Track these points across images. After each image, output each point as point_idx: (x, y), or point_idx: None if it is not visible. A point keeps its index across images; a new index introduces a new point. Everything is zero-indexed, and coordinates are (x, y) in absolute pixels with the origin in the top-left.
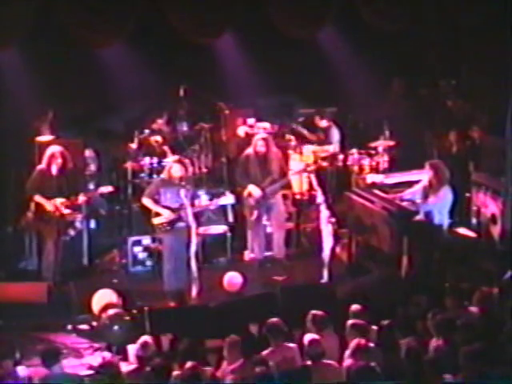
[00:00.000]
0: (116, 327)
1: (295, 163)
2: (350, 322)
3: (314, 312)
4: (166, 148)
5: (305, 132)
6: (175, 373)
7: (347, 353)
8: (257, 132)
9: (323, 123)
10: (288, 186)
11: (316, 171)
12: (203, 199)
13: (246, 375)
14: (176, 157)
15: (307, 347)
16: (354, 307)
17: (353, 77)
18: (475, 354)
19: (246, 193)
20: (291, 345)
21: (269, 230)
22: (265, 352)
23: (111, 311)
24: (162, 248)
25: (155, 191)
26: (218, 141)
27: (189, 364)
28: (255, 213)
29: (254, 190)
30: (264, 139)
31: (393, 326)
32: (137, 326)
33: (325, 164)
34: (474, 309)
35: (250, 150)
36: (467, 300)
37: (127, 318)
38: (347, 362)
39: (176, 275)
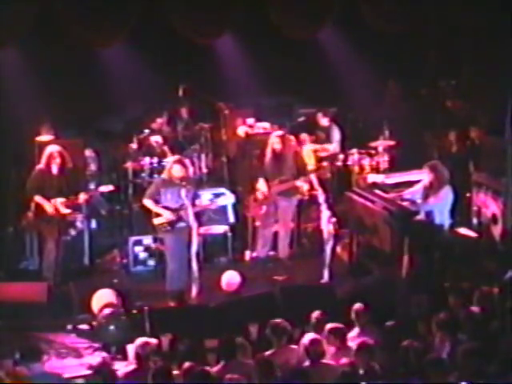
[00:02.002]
0: (112, 327)
1: None
2: (328, 326)
3: (319, 311)
4: (165, 148)
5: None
6: (175, 372)
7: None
8: (257, 132)
9: (325, 122)
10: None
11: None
12: (204, 199)
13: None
14: (176, 157)
15: (308, 347)
16: (357, 306)
17: (353, 77)
18: (475, 353)
19: (257, 185)
20: (294, 346)
21: (273, 229)
22: (267, 353)
23: (107, 311)
24: (163, 248)
25: (156, 192)
26: (218, 141)
27: (187, 364)
28: (264, 208)
29: (261, 186)
30: (280, 137)
31: (396, 326)
32: (134, 325)
33: (325, 164)
34: (474, 308)
35: (268, 149)
36: (468, 300)
37: (123, 317)
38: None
39: (178, 275)
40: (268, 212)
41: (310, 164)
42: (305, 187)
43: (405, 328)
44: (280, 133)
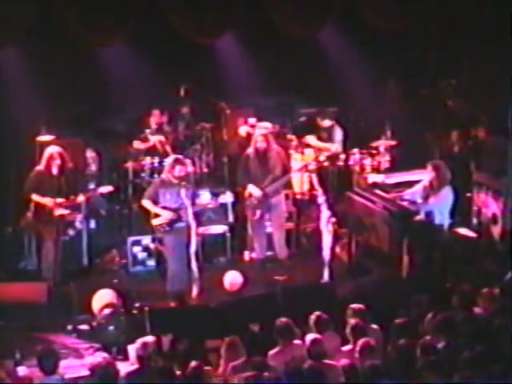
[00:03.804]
0: (112, 327)
1: (296, 163)
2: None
3: (317, 313)
4: (167, 147)
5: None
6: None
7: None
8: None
9: (326, 123)
10: (289, 185)
11: (317, 171)
12: (204, 198)
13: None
14: (175, 156)
15: (309, 347)
16: (354, 306)
17: (353, 76)
18: (475, 354)
19: (246, 193)
20: (299, 342)
21: (269, 229)
22: (272, 352)
23: (107, 311)
24: (162, 248)
25: (154, 193)
26: (219, 140)
27: (192, 364)
28: (258, 212)
29: (253, 190)
30: (264, 135)
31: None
32: (134, 326)
33: (326, 163)
34: (474, 309)
35: (250, 149)
36: (468, 300)
37: (123, 317)
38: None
39: (179, 276)
40: (262, 215)
41: (311, 164)
42: (305, 187)
43: (405, 328)
44: (264, 131)
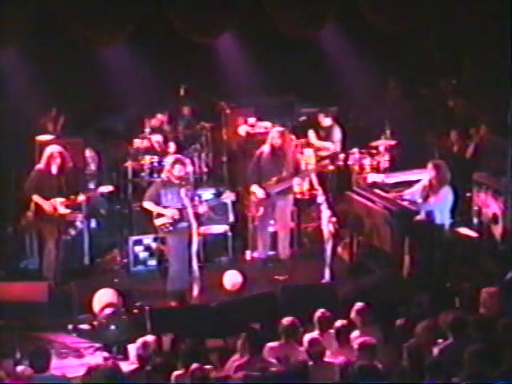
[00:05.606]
0: (113, 327)
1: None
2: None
3: (322, 310)
4: (167, 147)
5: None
6: (177, 372)
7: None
8: (258, 131)
9: (327, 122)
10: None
11: (317, 170)
12: (204, 198)
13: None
14: (175, 156)
15: (308, 347)
16: (358, 306)
17: (353, 76)
18: (476, 354)
19: (251, 189)
20: (300, 348)
21: (271, 229)
22: (271, 344)
23: (108, 310)
24: (164, 248)
25: (155, 193)
26: (219, 140)
27: (194, 366)
28: (261, 209)
29: (256, 190)
30: (280, 132)
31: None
32: (134, 325)
33: (326, 162)
34: (475, 308)
35: (266, 145)
36: (468, 300)
37: (124, 317)
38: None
39: (180, 275)
40: (266, 213)
41: (311, 164)
42: (305, 186)
43: (405, 327)
44: (280, 128)
